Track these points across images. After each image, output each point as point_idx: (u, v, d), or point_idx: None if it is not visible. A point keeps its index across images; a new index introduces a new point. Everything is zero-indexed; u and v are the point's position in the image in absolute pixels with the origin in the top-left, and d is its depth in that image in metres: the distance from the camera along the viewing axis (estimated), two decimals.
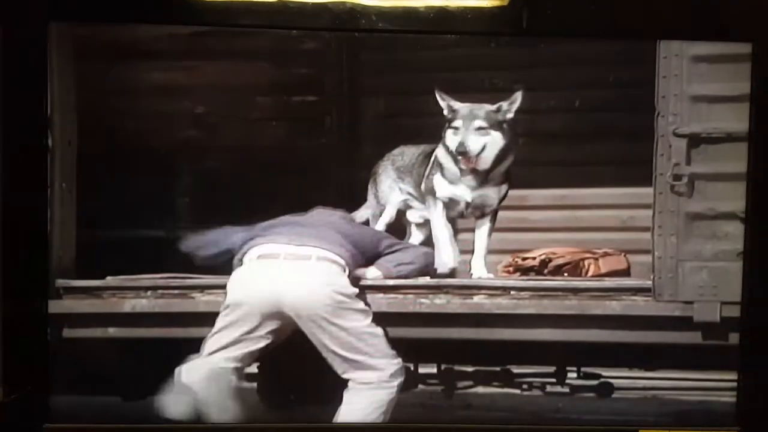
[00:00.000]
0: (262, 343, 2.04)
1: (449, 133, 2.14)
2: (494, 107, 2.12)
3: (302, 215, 2.12)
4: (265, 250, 2.07)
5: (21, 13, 1.88)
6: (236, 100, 2.09)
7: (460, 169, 2.15)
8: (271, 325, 2.03)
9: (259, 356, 2.06)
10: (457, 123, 2.12)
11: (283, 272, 2.05)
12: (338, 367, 2.03)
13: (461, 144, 2.12)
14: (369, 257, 2.13)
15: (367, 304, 2.06)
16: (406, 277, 2.11)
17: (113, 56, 2.03)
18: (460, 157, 2.13)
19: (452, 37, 2.02)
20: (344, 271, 2.06)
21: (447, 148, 2.15)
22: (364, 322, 2.04)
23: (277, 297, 2.03)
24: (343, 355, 2.03)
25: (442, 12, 1.91)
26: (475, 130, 2.12)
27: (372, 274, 2.11)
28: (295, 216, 2.11)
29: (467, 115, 2.12)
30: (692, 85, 2.01)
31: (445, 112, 2.13)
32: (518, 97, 2.10)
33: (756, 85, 1.98)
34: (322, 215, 2.13)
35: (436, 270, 2.15)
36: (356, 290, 2.06)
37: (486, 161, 2.14)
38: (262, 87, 2.10)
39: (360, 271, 2.11)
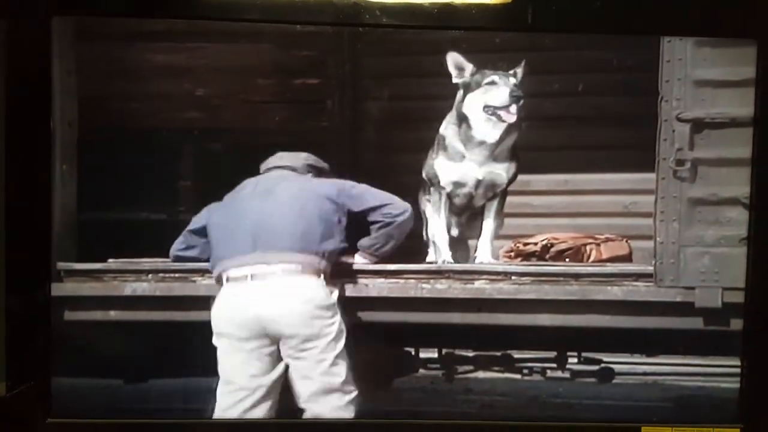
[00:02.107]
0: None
1: (478, 93, 2.10)
2: (512, 72, 2.12)
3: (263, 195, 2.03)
4: (234, 272, 1.98)
5: (25, 6, 1.88)
6: (238, 82, 2.09)
7: (470, 140, 2.11)
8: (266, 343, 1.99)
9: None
10: (492, 78, 2.10)
11: (257, 294, 1.97)
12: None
13: (514, 90, 2.08)
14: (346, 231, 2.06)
15: (344, 314, 2.00)
16: (390, 252, 2.08)
17: (114, 38, 2.03)
18: (502, 112, 2.09)
19: None
20: (319, 276, 1.99)
21: (464, 117, 2.10)
22: (336, 345, 1.98)
23: (257, 320, 1.97)
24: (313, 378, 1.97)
25: (447, 7, 1.90)
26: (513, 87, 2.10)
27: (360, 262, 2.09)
28: (254, 197, 2.02)
29: (500, 73, 2.10)
30: (696, 70, 2.00)
31: (456, 77, 2.09)
32: (523, 64, 2.11)
33: (761, 72, 1.97)
34: (286, 189, 2.04)
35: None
36: (332, 301, 1.99)
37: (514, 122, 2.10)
38: (264, 69, 2.09)
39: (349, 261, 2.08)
